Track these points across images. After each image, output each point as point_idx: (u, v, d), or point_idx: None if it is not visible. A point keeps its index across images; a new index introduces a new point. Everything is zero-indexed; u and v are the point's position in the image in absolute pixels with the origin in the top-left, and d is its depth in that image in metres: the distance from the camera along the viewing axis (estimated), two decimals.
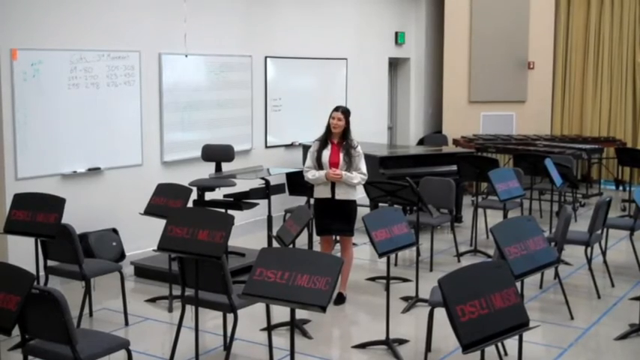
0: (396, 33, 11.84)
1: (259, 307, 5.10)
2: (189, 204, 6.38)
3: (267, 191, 6.70)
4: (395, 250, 5.31)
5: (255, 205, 7.05)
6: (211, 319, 5.75)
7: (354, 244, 7.19)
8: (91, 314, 5.99)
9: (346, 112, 6.32)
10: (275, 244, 5.61)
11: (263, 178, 6.80)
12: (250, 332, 5.57)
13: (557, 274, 6.67)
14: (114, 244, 7.34)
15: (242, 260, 7.16)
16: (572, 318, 6.03)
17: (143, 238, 7.33)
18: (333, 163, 6.23)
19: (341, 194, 6.25)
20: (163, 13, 7.88)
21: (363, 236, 6.47)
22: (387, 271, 5.37)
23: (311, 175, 6.28)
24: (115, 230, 7.44)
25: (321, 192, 6.32)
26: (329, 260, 3.62)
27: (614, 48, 12.08)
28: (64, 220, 5.41)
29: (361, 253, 8.00)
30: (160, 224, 4.91)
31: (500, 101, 12.20)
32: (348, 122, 6.28)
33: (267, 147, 9.44)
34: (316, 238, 6.62)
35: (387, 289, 5.38)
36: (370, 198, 6.95)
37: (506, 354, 5.08)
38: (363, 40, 11.07)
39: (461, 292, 3.23)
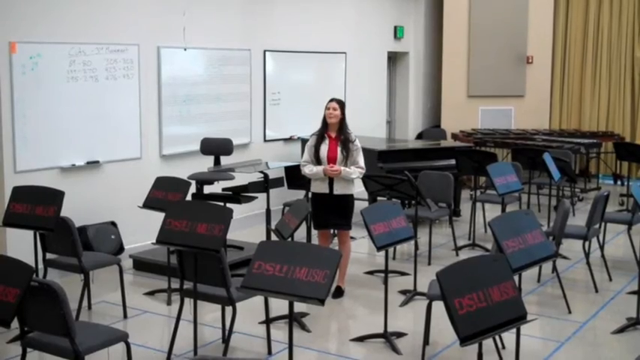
0: (395, 27, 11.83)
1: (258, 300, 5.11)
2: (188, 197, 6.38)
3: (265, 185, 6.70)
4: (393, 244, 5.32)
5: (253, 198, 7.06)
6: (210, 312, 5.76)
7: (352, 237, 7.19)
8: (89, 307, 6.00)
9: (341, 103, 6.32)
10: (274, 237, 5.62)
11: (262, 172, 6.80)
12: (249, 325, 5.58)
13: (555, 268, 6.69)
14: (113, 237, 7.35)
15: (241, 253, 7.17)
16: (569, 312, 6.05)
17: (142, 231, 7.34)
18: (331, 158, 6.22)
19: (339, 189, 6.25)
20: (162, 7, 7.87)
21: (362, 230, 6.48)
22: (385, 265, 5.38)
23: (308, 169, 6.28)
24: (113, 223, 7.45)
25: (319, 187, 6.32)
26: (327, 253, 3.62)
27: (613, 42, 12.08)
28: (63, 213, 5.41)
29: (360, 246, 8.02)
30: (158, 217, 4.92)
31: (498, 96, 12.19)
32: (343, 113, 6.28)
33: (265, 141, 9.43)
34: (314, 232, 6.62)
35: (386, 282, 5.39)
36: (369, 192, 6.95)
37: (503, 347, 5.10)
38: (362, 34, 11.06)
39: (459, 285, 3.24)
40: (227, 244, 6.87)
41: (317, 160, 6.24)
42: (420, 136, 12.19)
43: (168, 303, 6.21)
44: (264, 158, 8.31)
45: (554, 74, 12.40)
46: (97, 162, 7.31)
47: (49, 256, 5.86)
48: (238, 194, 6.89)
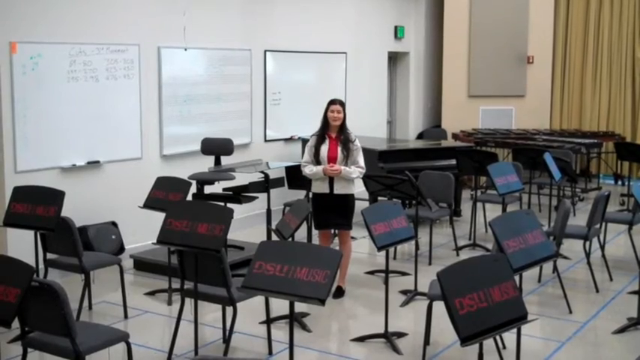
0: (396, 27, 11.83)
1: (258, 300, 5.11)
2: (189, 197, 6.38)
3: (266, 185, 6.70)
4: (394, 244, 5.32)
5: (254, 198, 7.06)
6: (210, 312, 5.76)
7: (352, 237, 7.19)
8: (90, 307, 6.00)
9: (343, 105, 6.33)
10: (274, 237, 5.62)
11: (262, 172, 6.80)
12: (249, 325, 5.58)
13: (555, 268, 6.68)
14: (113, 237, 7.35)
15: (241, 253, 7.17)
16: (570, 312, 6.05)
17: (142, 231, 7.34)
18: (332, 158, 6.22)
19: (339, 189, 6.25)
20: (162, 7, 7.87)
21: (362, 230, 6.48)
22: (385, 265, 5.38)
23: (308, 170, 6.28)
24: (114, 223, 7.45)
25: (320, 187, 6.32)
26: (328, 253, 3.62)
27: (614, 42, 12.08)
28: (64, 213, 5.41)
29: (360, 246, 8.02)
30: (159, 217, 4.92)
31: (499, 95, 12.19)
32: (345, 114, 6.30)
33: (266, 141, 9.43)
34: (315, 232, 6.62)
35: (386, 282, 5.39)
36: (369, 192, 6.96)
37: (504, 347, 5.10)
38: (362, 34, 11.06)
39: (459, 285, 3.24)
40: (228, 244, 6.86)
41: (317, 161, 6.25)
42: (420, 136, 12.19)
43: (169, 303, 6.21)
44: (265, 158, 8.30)
45: (555, 74, 12.40)
46: (98, 162, 7.31)
47: (49, 256, 5.86)
48: (239, 194, 6.89)
